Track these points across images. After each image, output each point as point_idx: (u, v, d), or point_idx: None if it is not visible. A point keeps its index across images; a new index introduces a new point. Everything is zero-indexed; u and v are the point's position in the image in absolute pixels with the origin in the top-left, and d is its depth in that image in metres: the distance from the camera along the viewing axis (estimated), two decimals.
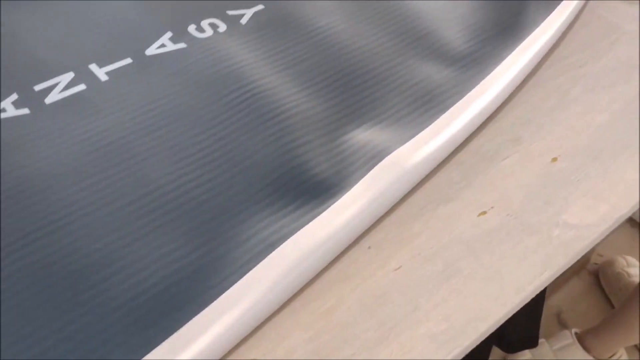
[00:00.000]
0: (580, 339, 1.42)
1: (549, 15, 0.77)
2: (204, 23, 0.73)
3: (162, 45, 0.69)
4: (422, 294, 0.50)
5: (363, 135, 0.61)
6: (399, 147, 0.59)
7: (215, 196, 0.56)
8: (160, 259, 0.50)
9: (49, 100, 0.61)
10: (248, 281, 0.49)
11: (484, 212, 0.55)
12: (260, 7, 0.76)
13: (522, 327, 1.28)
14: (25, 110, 0.60)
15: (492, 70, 0.69)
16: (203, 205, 0.55)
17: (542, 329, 1.27)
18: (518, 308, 0.50)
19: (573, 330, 1.43)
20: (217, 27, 0.72)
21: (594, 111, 0.65)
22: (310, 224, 0.53)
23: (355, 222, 0.54)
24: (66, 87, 0.63)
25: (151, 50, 0.68)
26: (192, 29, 0.72)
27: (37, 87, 0.62)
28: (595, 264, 1.68)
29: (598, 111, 0.66)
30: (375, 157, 0.58)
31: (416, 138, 0.60)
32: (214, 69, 0.67)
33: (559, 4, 0.78)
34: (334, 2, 0.78)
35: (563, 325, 1.55)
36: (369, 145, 0.60)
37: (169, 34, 0.70)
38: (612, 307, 1.60)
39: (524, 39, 0.73)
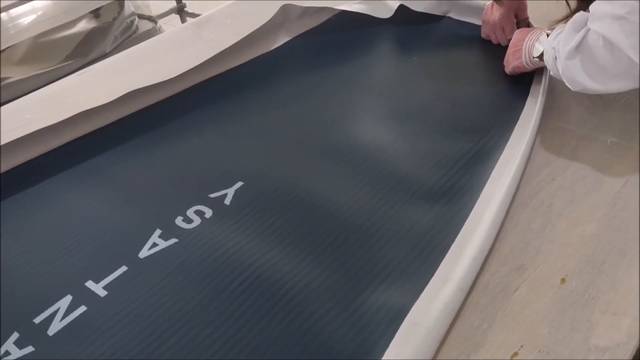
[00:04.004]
0: None
1: (511, 133, 0.82)
2: (190, 212, 0.73)
3: (154, 245, 0.69)
4: None
5: (375, 296, 0.61)
6: (413, 303, 0.59)
7: None
8: None
9: (51, 331, 0.59)
10: None
11: (516, 354, 0.55)
12: (240, 184, 0.78)
13: None
14: (29, 349, 0.57)
15: (476, 201, 0.72)
16: None
17: None
18: None
19: None
20: (204, 213, 0.73)
21: (582, 223, 0.68)
22: None
23: None
24: (67, 313, 0.61)
25: (144, 252, 0.68)
26: (179, 221, 0.72)
27: (37, 320, 0.60)
28: None
29: (585, 222, 0.68)
30: (394, 319, 0.58)
31: (427, 290, 0.60)
32: (210, 260, 0.66)
33: (516, 123, 0.84)
34: (306, 165, 0.81)
35: None
36: (384, 306, 0.59)
37: (158, 232, 0.71)
38: None
39: (496, 162, 0.77)
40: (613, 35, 0.69)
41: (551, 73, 0.85)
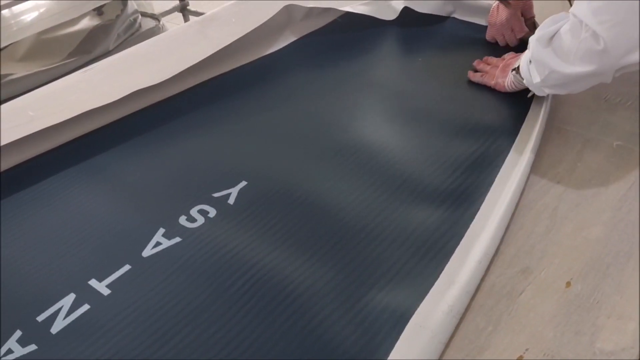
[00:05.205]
0: None
1: (517, 135, 0.82)
2: (194, 211, 0.73)
3: (158, 244, 0.69)
4: None
5: (379, 297, 0.61)
6: (418, 305, 0.59)
7: None
8: None
9: (54, 329, 0.59)
10: None
11: (521, 357, 0.54)
12: (244, 183, 0.77)
13: None
14: (32, 347, 0.57)
15: (482, 203, 0.71)
16: None
17: None
18: None
19: None
20: (207, 212, 0.73)
21: (587, 226, 0.68)
22: None
23: None
24: (70, 311, 0.61)
25: (147, 251, 0.68)
26: (183, 220, 0.72)
27: (40, 318, 0.60)
28: None
29: (591, 225, 0.68)
30: (398, 321, 0.57)
31: (432, 292, 0.60)
32: (213, 259, 0.66)
33: (521, 125, 0.83)
34: (311, 165, 0.81)
35: None
36: (388, 308, 0.59)
37: (161, 231, 0.71)
38: None
39: (502, 164, 0.77)
40: (583, 14, 0.69)
41: (524, 82, 0.83)
